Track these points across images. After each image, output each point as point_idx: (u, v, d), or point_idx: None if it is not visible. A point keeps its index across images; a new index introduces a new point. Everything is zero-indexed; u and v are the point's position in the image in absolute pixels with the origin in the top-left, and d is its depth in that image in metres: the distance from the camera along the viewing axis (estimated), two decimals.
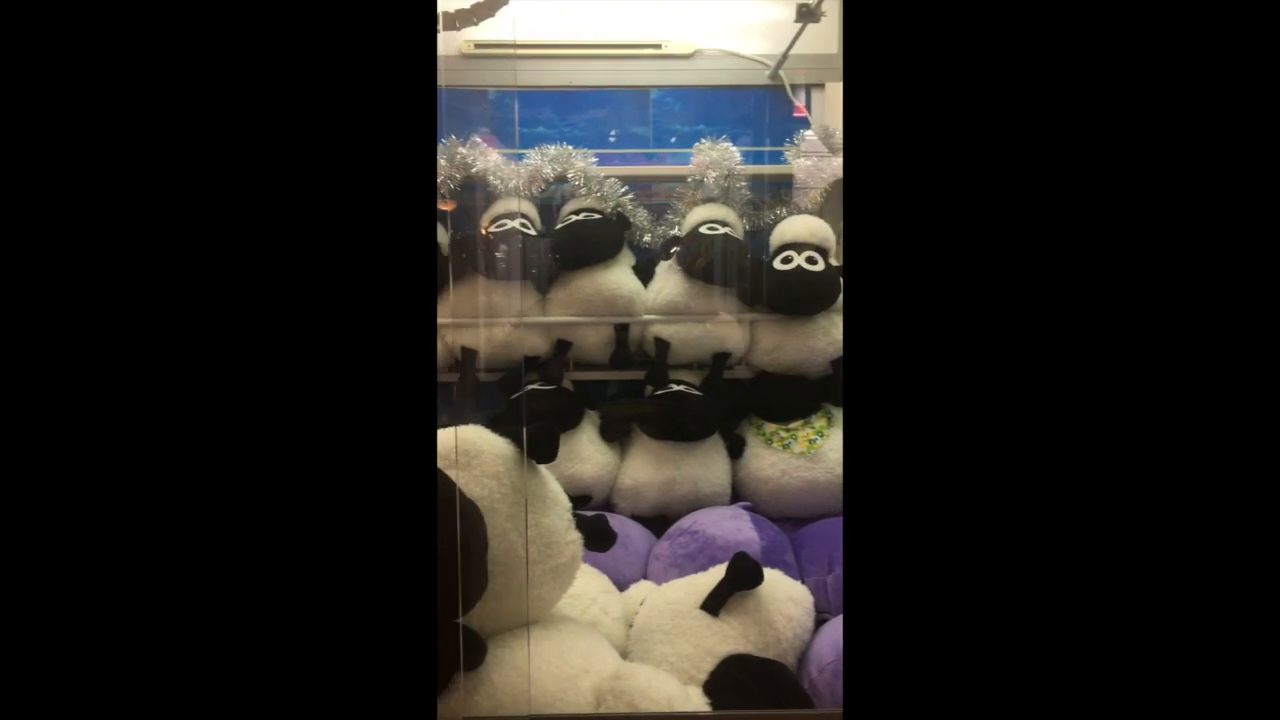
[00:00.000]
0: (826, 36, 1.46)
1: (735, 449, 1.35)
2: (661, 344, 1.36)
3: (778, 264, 1.32)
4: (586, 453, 1.31)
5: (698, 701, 0.79)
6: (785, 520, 1.25)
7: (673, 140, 1.50)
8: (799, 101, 1.49)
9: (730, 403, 1.38)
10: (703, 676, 0.85)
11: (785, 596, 0.95)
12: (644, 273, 1.39)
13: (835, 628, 0.97)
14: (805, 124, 1.48)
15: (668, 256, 1.40)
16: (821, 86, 1.50)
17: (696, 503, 1.28)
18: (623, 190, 1.40)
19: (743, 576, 0.92)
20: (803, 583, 1.03)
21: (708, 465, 1.30)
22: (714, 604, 0.91)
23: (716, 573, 0.96)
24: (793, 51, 1.40)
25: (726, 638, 0.89)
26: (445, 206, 1.40)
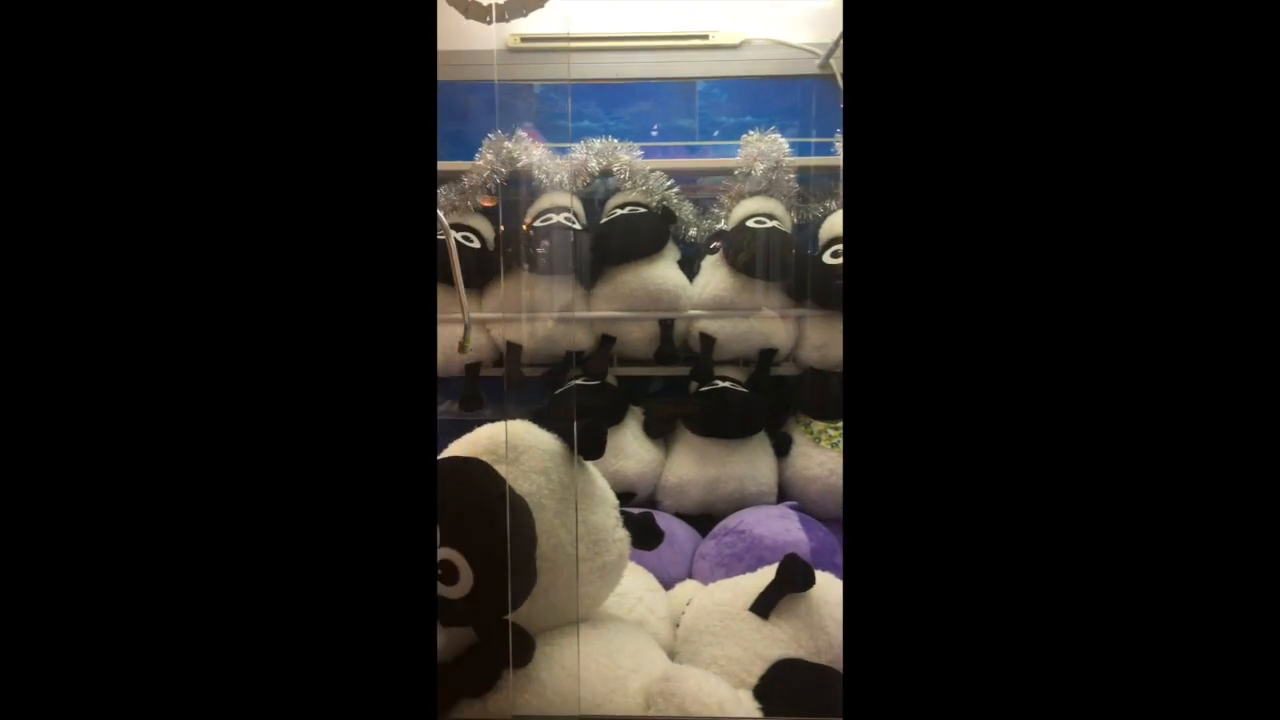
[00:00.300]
0: None
1: (782, 447, 1.32)
2: (707, 340, 1.34)
3: (827, 258, 1.29)
4: (630, 449, 1.30)
5: (749, 706, 0.77)
6: (834, 521, 1.22)
7: (716, 134, 1.47)
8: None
9: (777, 400, 1.35)
10: (753, 680, 0.83)
11: (837, 600, 0.92)
12: (689, 267, 1.37)
13: None
14: None
15: (714, 251, 1.38)
16: None
17: (742, 501, 1.26)
18: (668, 184, 1.38)
19: (794, 579, 0.90)
20: None
21: (754, 463, 1.28)
22: (764, 606, 0.89)
23: (765, 574, 0.93)
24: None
25: (777, 641, 0.87)
26: (487, 203, 1.40)
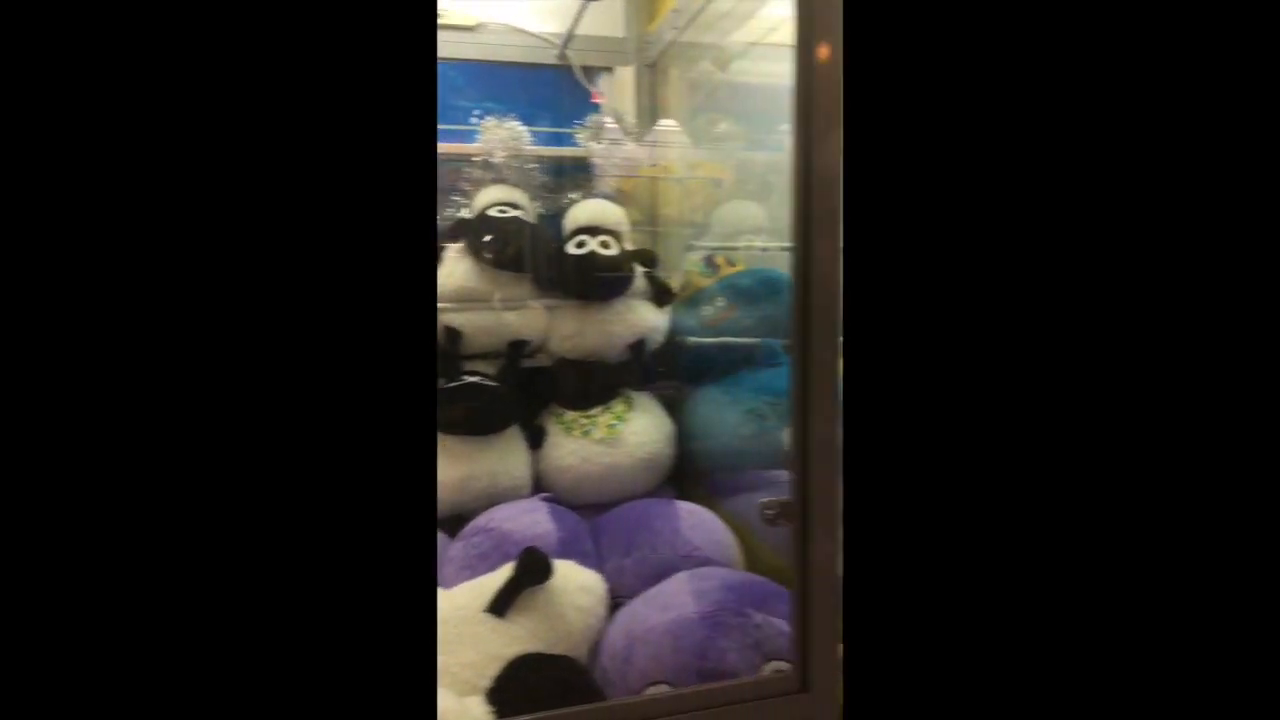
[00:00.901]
0: (613, 19, 1.45)
1: (535, 439, 1.30)
2: (452, 333, 1.28)
3: (571, 248, 1.29)
4: None
5: (477, 713, 0.74)
6: (587, 507, 1.24)
7: (474, 118, 1.41)
8: (590, 84, 1.47)
9: (529, 392, 1.33)
10: (486, 683, 0.80)
11: (577, 587, 0.92)
12: None
13: (628, 613, 0.96)
14: (597, 107, 1.46)
15: (455, 240, 1.32)
16: (610, 70, 1.49)
17: (495, 498, 1.22)
18: None
19: (530, 572, 0.88)
20: (601, 569, 1.01)
21: (505, 458, 1.25)
22: (501, 605, 0.87)
23: (507, 571, 0.91)
24: (582, 33, 1.37)
25: (515, 639, 0.85)
26: None
